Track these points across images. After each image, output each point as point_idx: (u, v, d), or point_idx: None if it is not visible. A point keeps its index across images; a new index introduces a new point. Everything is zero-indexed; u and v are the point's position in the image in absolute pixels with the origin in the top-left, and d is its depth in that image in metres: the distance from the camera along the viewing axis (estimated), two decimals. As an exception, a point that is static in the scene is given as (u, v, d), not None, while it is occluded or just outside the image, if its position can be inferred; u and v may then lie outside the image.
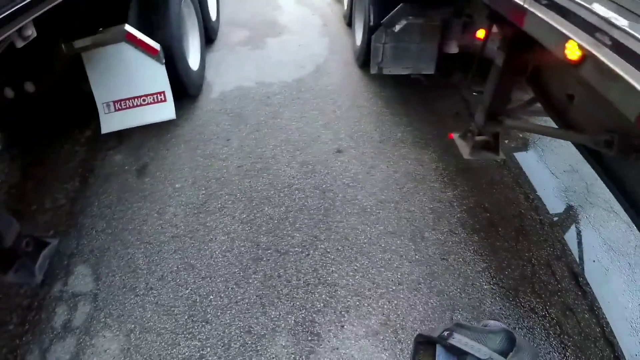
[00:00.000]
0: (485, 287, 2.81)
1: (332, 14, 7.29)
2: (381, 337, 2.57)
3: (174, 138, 4.21)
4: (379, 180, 3.61)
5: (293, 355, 2.50)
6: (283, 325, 2.63)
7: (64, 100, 4.24)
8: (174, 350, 2.55)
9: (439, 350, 1.15)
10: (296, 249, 3.07)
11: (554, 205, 3.45)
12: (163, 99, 3.84)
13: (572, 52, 1.49)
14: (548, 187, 3.62)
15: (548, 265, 2.95)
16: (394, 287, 2.81)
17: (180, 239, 3.18)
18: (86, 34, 3.51)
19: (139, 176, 3.78)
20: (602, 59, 1.35)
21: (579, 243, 3.18)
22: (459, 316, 2.65)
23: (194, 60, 4.75)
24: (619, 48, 1.31)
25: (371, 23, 4.62)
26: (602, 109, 2.08)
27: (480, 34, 3.27)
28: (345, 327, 2.62)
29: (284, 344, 2.55)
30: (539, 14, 1.73)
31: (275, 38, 6.34)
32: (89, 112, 3.98)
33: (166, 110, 3.91)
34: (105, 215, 3.44)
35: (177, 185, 3.66)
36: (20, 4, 1.98)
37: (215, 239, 3.17)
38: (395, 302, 2.73)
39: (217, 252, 3.08)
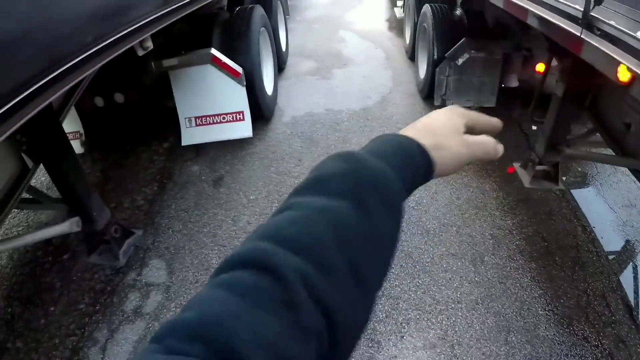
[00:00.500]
0: (540, 312, 2.86)
1: (394, 48, 7.55)
2: (438, 350, 2.66)
3: (248, 155, 4.49)
4: (442, 205, 3.74)
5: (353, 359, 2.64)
6: (346, 330, 2.78)
7: (148, 113, 4.61)
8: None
9: None
10: (362, 263, 3.22)
11: (611, 238, 3.47)
12: (241, 118, 4.14)
13: (623, 74, 1.65)
14: (606, 220, 3.63)
15: (603, 296, 2.97)
16: (453, 305, 2.91)
17: (252, 245, 3.38)
18: (171, 54, 3.83)
19: (215, 186, 4.06)
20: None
21: (635, 277, 3.19)
22: (513, 338, 2.71)
23: (268, 85, 5.05)
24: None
25: (435, 56, 4.80)
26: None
27: (540, 67, 3.40)
28: (404, 337, 2.73)
29: (345, 348, 2.69)
30: (594, 43, 1.90)
31: (341, 69, 6.64)
32: (169, 126, 4.33)
33: (243, 129, 4.20)
34: (181, 217, 3.70)
35: (251, 197, 3.90)
36: (146, 20, 2.31)
37: (286, 248, 3.36)
38: (454, 319, 2.82)
39: (286, 260, 3.26)
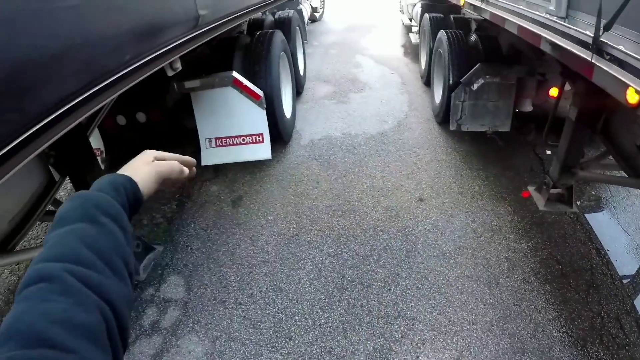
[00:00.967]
0: (555, 334, 2.86)
1: (409, 73, 7.68)
2: (454, 371, 2.68)
3: (267, 176, 4.58)
4: (458, 228, 3.77)
5: (369, 378, 2.64)
6: (362, 349, 2.78)
7: (169, 133, 4.70)
8: None
9: None
10: (379, 283, 3.25)
11: (626, 261, 3.47)
12: (261, 140, 4.19)
13: (632, 97, 1.70)
14: (620, 243, 3.65)
15: (617, 319, 2.97)
16: (468, 327, 2.92)
17: (270, 264, 3.44)
18: (193, 76, 3.91)
19: (234, 206, 4.13)
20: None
21: None
22: (527, 359, 2.72)
23: (287, 109, 5.15)
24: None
25: (450, 82, 4.89)
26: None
27: (554, 91, 3.44)
28: (420, 358, 2.74)
29: (362, 367, 2.70)
30: (604, 67, 1.95)
31: (358, 94, 6.76)
32: (188, 146, 4.42)
33: (263, 151, 4.24)
34: (200, 236, 3.77)
35: (269, 218, 3.96)
36: (177, 42, 2.41)
37: (304, 267, 3.40)
38: (469, 340, 2.83)
39: (304, 279, 3.30)
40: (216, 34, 3.14)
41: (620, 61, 1.84)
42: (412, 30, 8.80)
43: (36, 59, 1.33)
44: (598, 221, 3.91)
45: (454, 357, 2.75)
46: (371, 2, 15.46)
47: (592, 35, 2.02)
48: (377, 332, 2.89)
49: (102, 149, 4.28)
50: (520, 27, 3.09)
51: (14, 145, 1.22)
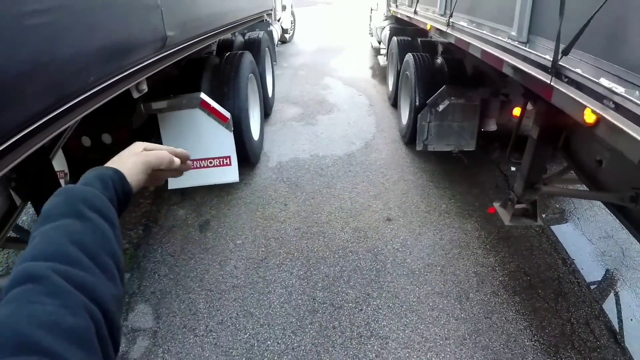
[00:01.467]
0: (527, 343, 2.91)
1: (377, 95, 7.81)
2: (428, 389, 2.67)
3: (234, 199, 4.53)
4: (426, 246, 3.80)
5: (345, 401, 2.61)
6: (336, 372, 2.76)
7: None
8: (231, 388, 2.68)
9: None
10: (350, 304, 3.23)
11: (591, 268, 3.58)
12: (228, 163, 4.13)
13: (589, 117, 1.78)
14: (585, 252, 3.77)
15: (587, 324, 3.05)
16: (441, 342, 2.93)
17: (240, 289, 3.38)
18: (160, 97, 3.84)
19: (202, 230, 4.07)
20: (610, 119, 1.64)
21: (617, 303, 3.29)
22: (502, 371, 2.75)
23: (255, 131, 5.12)
24: (620, 109, 1.61)
25: (417, 103, 4.98)
26: (627, 171, 2.39)
27: (517, 111, 3.57)
28: (394, 377, 2.74)
29: (337, 389, 2.67)
30: (562, 89, 2.05)
31: (326, 115, 6.83)
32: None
33: (230, 174, 4.17)
34: (167, 262, 3.68)
35: (237, 242, 3.91)
36: (144, 63, 2.38)
37: (274, 291, 3.36)
38: (443, 355, 2.84)
39: (275, 303, 3.25)
40: (184, 55, 3.12)
41: (578, 83, 1.92)
42: (381, 53, 8.97)
43: (-3, 79, 1.30)
44: (563, 232, 4.03)
45: (428, 374, 2.75)
46: (341, 25, 15.79)
47: (552, 59, 2.11)
48: (351, 352, 2.86)
49: (66, 171, 4.15)
50: (483, 52, 3.19)
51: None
